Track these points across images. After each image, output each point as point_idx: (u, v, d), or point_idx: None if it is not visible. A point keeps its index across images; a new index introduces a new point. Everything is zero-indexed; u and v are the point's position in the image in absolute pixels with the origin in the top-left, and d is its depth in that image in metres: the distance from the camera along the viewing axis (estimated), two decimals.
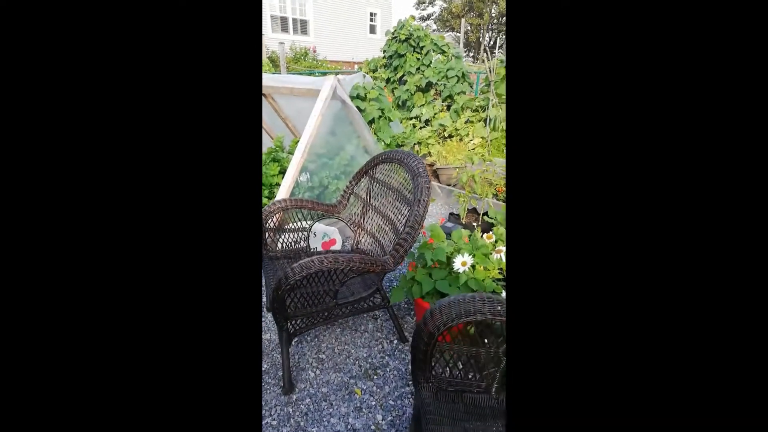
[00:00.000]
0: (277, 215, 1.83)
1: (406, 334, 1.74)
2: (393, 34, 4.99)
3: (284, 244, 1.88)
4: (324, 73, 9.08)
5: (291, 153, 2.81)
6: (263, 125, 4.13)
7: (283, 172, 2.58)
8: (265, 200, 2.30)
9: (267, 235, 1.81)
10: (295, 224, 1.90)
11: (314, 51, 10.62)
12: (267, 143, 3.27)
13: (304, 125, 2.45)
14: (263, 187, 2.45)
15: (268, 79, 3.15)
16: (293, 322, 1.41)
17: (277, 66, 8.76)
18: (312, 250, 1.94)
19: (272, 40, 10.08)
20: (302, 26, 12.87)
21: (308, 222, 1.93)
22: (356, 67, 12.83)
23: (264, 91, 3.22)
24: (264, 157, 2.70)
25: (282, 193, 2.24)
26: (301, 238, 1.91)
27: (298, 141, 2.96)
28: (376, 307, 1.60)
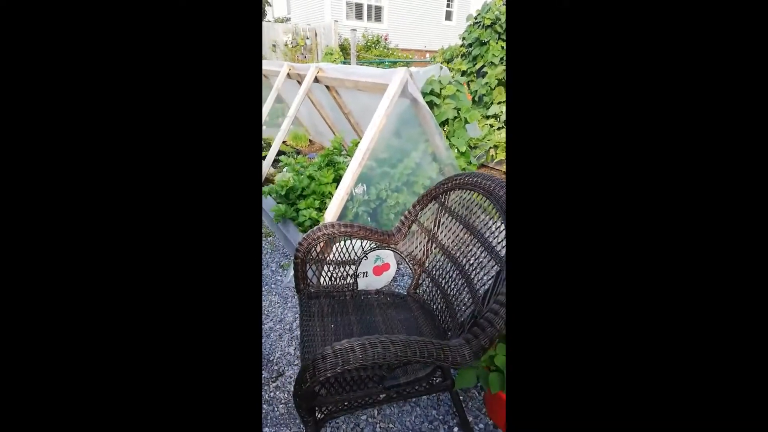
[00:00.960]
0: (321, 244, 1.48)
1: (472, 424, 1.29)
2: (476, 18, 4.36)
3: (328, 278, 1.53)
4: (394, 63, 8.63)
5: (350, 155, 2.45)
6: (326, 120, 3.85)
7: (338, 180, 2.24)
8: (314, 213, 1.98)
9: (308, 267, 1.47)
10: (341, 253, 1.54)
11: (386, 39, 10.20)
12: (328, 143, 2.92)
13: (368, 124, 2.07)
14: (315, 196, 2.13)
15: (333, 71, 2.80)
16: (323, 409, 1.05)
17: (347, 54, 8.52)
18: (358, 290, 1.57)
19: (345, 27, 9.87)
20: (377, 13, 12.50)
21: (357, 251, 1.55)
22: (428, 56, 12.22)
23: (328, 83, 2.90)
24: (319, 159, 2.39)
25: (331, 212, 1.90)
26: (348, 273, 1.55)
27: (359, 143, 2.61)
28: (435, 390, 1.17)
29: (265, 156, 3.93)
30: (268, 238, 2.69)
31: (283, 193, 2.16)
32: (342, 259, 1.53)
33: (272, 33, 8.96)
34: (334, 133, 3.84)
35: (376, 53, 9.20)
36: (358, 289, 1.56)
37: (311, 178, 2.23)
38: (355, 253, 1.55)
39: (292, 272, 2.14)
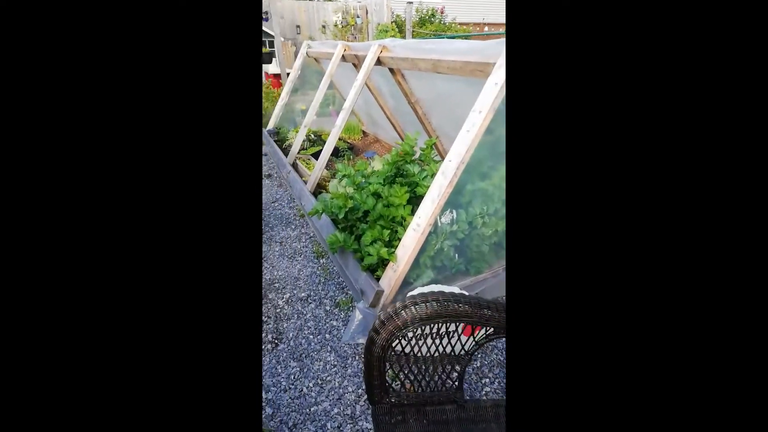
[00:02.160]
0: (408, 333, 0.91)
1: None
2: None
3: (418, 380, 0.97)
4: (452, 38, 7.68)
5: (426, 161, 1.84)
6: (385, 110, 3.23)
7: (415, 201, 1.65)
8: (383, 249, 1.42)
9: (387, 366, 0.92)
10: (437, 341, 0.96)
11: (442, 12, 9.19)
12: (384, 135, 2.34)
13: (443, 119, 1.45)
14: (383, 223, 1.56)
15: (401, 49, 2.16)
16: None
17: (402, 31, 7.73)
18: (466, 401, 0.99)
19: (397, 2, 9.02)
20: None
21: (465, 341, 0.97)
22: (487, 29, 10.96)
23: (393, 65, 2.27)
24: (385, 166, 1.81)
25: (406, 251, 1.33)
26: (449, 373, 0.97)
27: (433, 143, 1.98)
28: None
29: (317, 152, 3.45)
30: (320, 260, 2.21)
31: (341, 215, 1.64)
32: (440, 353, 0.96)
33: (322, 13, 8.40)
34: (394, 126, 3.23)
35: (432, 28, 8.28)
36: (465, 398, 0.98)
37: (377, 196, 1.67)
38: (462, 346, 0.97)
39: (353, 326, 1.64)
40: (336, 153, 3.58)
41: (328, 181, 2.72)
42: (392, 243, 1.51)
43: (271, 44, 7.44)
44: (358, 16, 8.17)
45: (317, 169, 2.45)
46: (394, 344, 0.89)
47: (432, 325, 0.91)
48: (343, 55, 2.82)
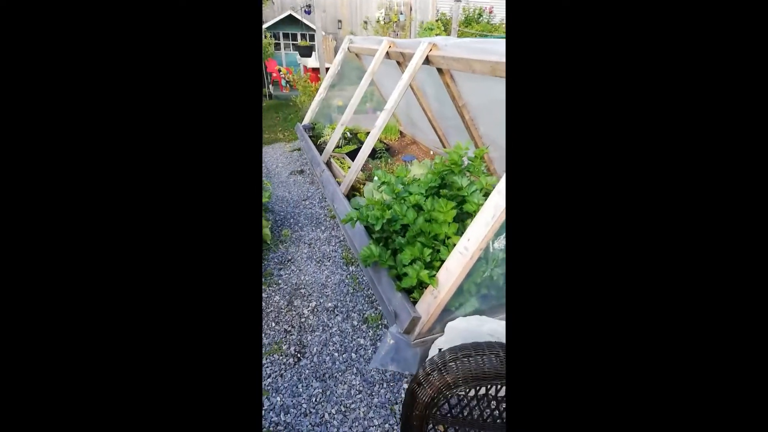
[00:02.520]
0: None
1: None
2: None
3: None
4: (499, 39, 7.34)
5: (473, 173, 1.67)
6: (428, 112, 3.06)
7: (461, 218, 1.48)
8: (423, 272, 1.27)
9: (431, 428, 0.77)
10: (488, 403, 0.81)
11: (491, 12, 8.84)
12: (423, 137, 2.20)
13: (492, 127, 1.27)
14: (424, 239, 1.41)
15: (454, 48, 1.99)
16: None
17: (447, 30, 7.49)
18: None
19: (445, 0, 8.75)
20: None
21: None
22: None
23: (442, 64, 2.10)
24: (428, 176, 1.65)
25: (451, 276, 1.18)
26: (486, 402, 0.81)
27: (484, 153, 1.80)
28: None
29: (352, 151, 3.35)
30: (350, 267, 2.09)
31: (377, 226, 1.50)
32: (498, 421, 0.80)
33: (364, 8, 8.30)
34: (435, 130, 3.06)
35: (479, 28, 7.97)
36: None
37: (418, 208, 1.52)
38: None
39: (383, 351, 1.51)
40: (372, 154, 3.45)
41: (363, 184, 2.60)
42: (433, 264, 1.36)
43: (312, 38, 7.44)
44: (401, 13, 8.00)
45: (352, 171, 2.33)
46: (440, 404, 0.74)
47: (489, 386, 0.75)
48: (387, 52, 2.67)
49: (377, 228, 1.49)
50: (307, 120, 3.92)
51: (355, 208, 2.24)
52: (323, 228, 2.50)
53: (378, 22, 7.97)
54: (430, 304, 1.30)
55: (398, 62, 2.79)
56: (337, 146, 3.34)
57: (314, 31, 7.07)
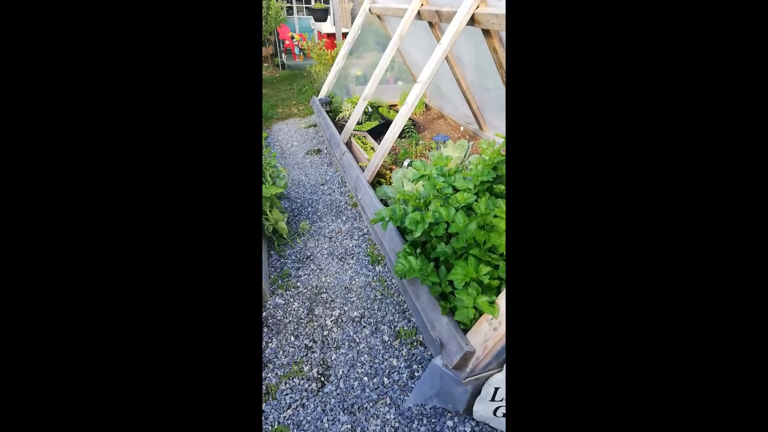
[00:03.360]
0: None
1: None
2: None
3: None
4: None
5: None
6: (462, 83, 2.66)
7: None
8: (482, 301, 1.00)
9: None
10: None
11: None
12: (452, 111, 1.86)
13: None
14: (478, 253, 1.12)
15: None
16: None
17: None
18: None
19: None
20: None
21: None
22: None
23: (491, 25, 1.71)
24: (479, 167, 1.33)
25: None
26: None
27: None
28: None
29: (374, 128, 3.00)
30: (376, 267, 1.83)
31: (417, 232, 1.21)
32: None
33: None
34: (470, 103, 2.67)
35: None
36: None
37: (470, 210, 1.22)
38: None
39: (426, 386, 1.26)
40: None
41: (390, 169, 2.29)
42: (491, 284, 1.08)
43: (327, 0, 6.84)
44: None
45: (378, 156, 2.02)
46: None
47: None
48: (419, 11, 2.27)
49: (417, 235, 1.21)
50: (323, 93, 3.55)
51: (383, 200, 1.95)
52: (344, 218, 2.24)
53: None
54: (487, 336, 1.04)
55: (430, 24, 2.38)
56: (358, 123, 3.00)
57: None
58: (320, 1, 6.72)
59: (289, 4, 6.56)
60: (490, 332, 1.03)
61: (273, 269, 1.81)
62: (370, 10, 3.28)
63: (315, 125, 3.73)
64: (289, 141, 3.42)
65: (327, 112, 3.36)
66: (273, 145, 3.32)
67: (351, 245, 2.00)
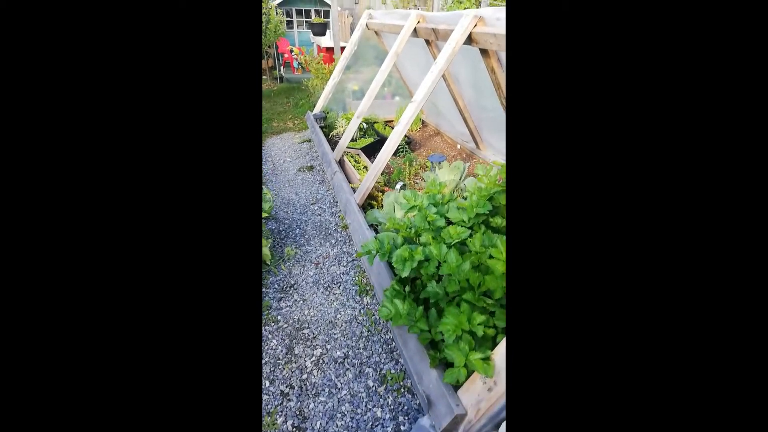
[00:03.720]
0: None
1: None
2: None
3: None
4: None
5: None
6: (459, 102, 2.57)
7: None
8: (475, 357, 0.87)
9: None
10: None
11: None
12: (449, 128, 1.76)
13: None
14: (472, 298, 0.99)
15: None
16: None
17: (478, 4, 6.77)
18: None
19: None
20: None
21: None
22: None
23: (489, 45, 1.61)
24: (476, 198, 1.21)
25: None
26: None
27: None
28: None
29: (368, 145, 2.90)
30: (364, 298, 1.70)
31: (404, 271, 1.08)
32: None
33: None
34: (467, 122, 2.57)
35: None
36: None
37: (464, 246, 1.10)
38: None
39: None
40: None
41: (382, 191, 2.17)
42: (486, 335, 0.95)
43: (327, 14, 6.85)
44: None
45: (369, 178, 1.91)
46: None
47: None
48: (415, 29, 2.19)
49: (404, 274, 1.08)
50: (319, 108, 3.47)
51: (373, 225, 1.83)
52: (334, 241, 2.11)
53: None
54: (480, 397, 0.90)
55: (427, 41, 2.30)
56: (352, 140, 2.90)
57: (329, 6, 6.49)
58: (320, 16, 6.74)
59: (289, 18, 6.57)
60: (484, 393, 0.89)
61: None
62: (367, 25, 3.23)
63: (310, 140, 3.64)
64: (282, 156, 3.32)
65: (321, 127, 3.27)
66: (265, 161, 3.21)
67: (339, 272, 1.86)
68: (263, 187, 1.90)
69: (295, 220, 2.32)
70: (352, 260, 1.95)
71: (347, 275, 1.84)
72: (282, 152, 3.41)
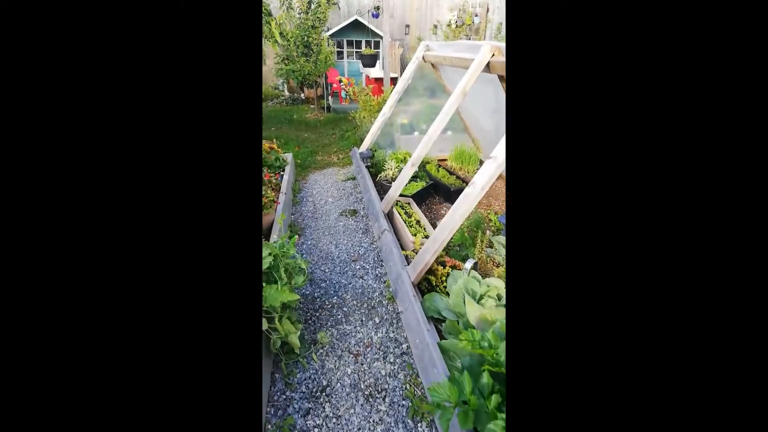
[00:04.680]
0: None
1: None
2: None
3: None
4: None
5: None
6: None
7: None
8: None
9: None
10: None
11: None
12: None
13: None
14: None
15: None
16: None
17: None
18: None
19: None
20: None
21: None
22: None
23: None
24: None
25: None
26: None
27: None
28: None
29: (420, 190, 2.48)
30: (419, 425, 1.23)
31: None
32: None
33: (435, 11, 7.43)
34: None
35: None
36: None
37: None
38: None
39: None
40: (447, 194, 2.56)
41: (443, 263, 1.72)
42: None
43: (377, 45, 6.75)
44: (476, 15, 6.98)
45: (429, 253, 1.46)
46: None
47: None
48: (488, 63, 1.78)
49: None
50: (366, 145, 3.15)
51: (433, 317, 1.37)
52: (378, 319, 1.68)
53: (449, 25, 7.04)
54: None
55: (500, 76, 1.88)
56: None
57: (380, 37, 6.37)
58: (370, 47, 6.64)
59: (340, 49, 6.53)
60: None
61: (274, 409, 1.27)
62: (423, 57, 2.89)
63: (354, 178, 3.31)
64: (323, 196, 3.01)
65: (367, 167, 2.92)
66: (305, 201, 2.91)
67: (384, 372, 1.42)
68: (296, 255, 1.53)
69: (333, 283, 1.93)
70: (402, 353, 1.50)
71: (395, 378, 1.39)
72: (324, 191, 3.10)
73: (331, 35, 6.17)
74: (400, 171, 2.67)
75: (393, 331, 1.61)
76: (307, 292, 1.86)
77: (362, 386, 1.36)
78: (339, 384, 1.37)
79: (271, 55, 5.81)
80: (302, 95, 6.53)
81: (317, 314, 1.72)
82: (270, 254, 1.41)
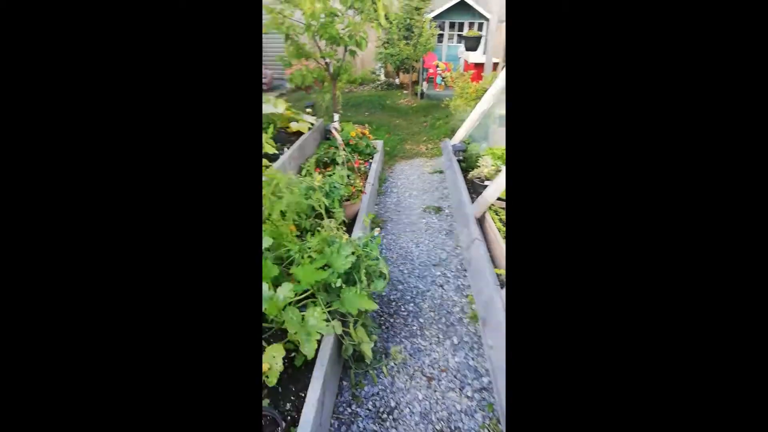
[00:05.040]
0: None
1: None
2: None
3: None
4: None
5: None
6: None
7: None
8: None
9: None
10: None
11: None
12: None
13: None
14: None
15: None
16: None
17: None
18: None
19: None
20: None
21: None
22: None
23: None
24: None
25: None
26: None
27: None
28: None
29: None
30: None
31: None
32: None
33: None
34: None
35: None
36: None
37: None
38: None
39: None
40: None
41: None
42: None
43: (480, 27, 6.17)
44: None
45: None
46: None
47: None
48: None
49: None
50: (459, 137, 2.87)
51: None
52: (456, 340, 1.48)
53: None
54: None
55: None
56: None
57: (486, 19, 5.81)
58: (473, 28, 6.11)
59: (441, 32, 6.16)
60: None
61: (338, 423, 1.19)
62: None
63: (442, 171, 3.08)
64: (408, 189, 2.86)
65: (459, 161, 2.66)
66: (390, 192, 2.80)
67: (460, 407, 1.23)
68: (381, 259, 1.41)
69: (411, 288, 1.78)
70: (481, 388, 1.29)
71: (471, 418, 1.19)
72: (409, 183, 2.94)
73: (434, 17, 5.83)
74: (497, 170, 2.35)
75: (473, 359, 1.40)
76: (383, 293, 1.75)
77: (434, 418, 1.20)
78: (408, 409, 1.23)
79: (372, 38, 5.76)
80: (396, 80, 6.39)
81: (391, 320, 1.59)
82: (353, 253, 1.31)
